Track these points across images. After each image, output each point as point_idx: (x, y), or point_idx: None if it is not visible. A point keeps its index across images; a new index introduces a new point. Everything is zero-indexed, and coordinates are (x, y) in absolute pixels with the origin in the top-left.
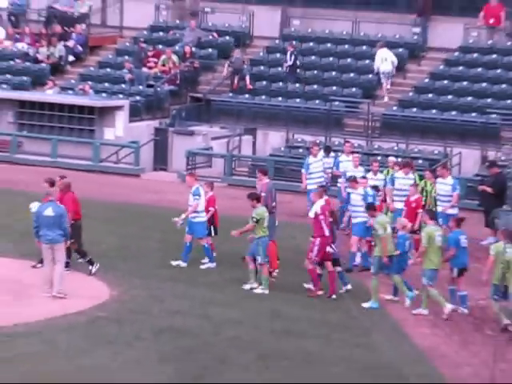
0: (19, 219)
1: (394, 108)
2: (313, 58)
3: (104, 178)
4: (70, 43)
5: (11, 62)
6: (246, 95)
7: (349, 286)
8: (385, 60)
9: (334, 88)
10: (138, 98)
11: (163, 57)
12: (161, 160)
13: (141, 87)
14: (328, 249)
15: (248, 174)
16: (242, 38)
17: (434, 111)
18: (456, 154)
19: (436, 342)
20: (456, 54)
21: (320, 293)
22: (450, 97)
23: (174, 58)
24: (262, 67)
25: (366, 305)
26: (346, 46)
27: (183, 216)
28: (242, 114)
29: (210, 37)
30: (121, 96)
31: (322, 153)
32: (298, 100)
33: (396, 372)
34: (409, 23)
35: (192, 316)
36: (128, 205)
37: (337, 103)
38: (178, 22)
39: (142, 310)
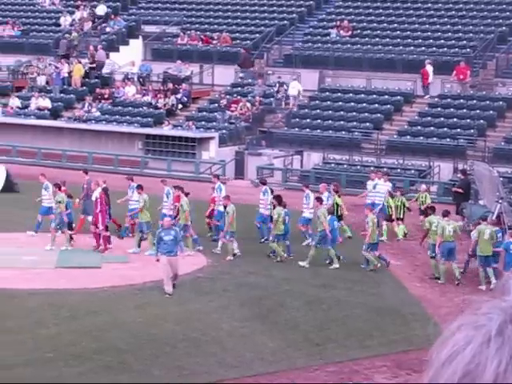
0: None
1: (395, 136)
2: (340, 103)
3: (202, 185)
4: (179, 96)
5: (140, 109)
6: (296, 128)
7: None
8: None
9: (354, 123)
10: (224, 131)
11: (241, 104)
12: (239, 172)
13: (226, 124)
14: None
15: (297, 181)
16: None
17: (421, 138)
18: (436, 166)
19: (424, 291)
20: (436, 99)
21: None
22: (432, 128)
23: (248, 104)
24: (306, 110)
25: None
26: (362, 95)
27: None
28: (294, 141)
29: (271, 90)
30: (213, 130)
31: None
32: (330, 131)
33: (397, 312)
34: (404, 79)
35: (260, 275)
36: None
37: (356, 133)
38: (250, 80)
39: (227, 272)
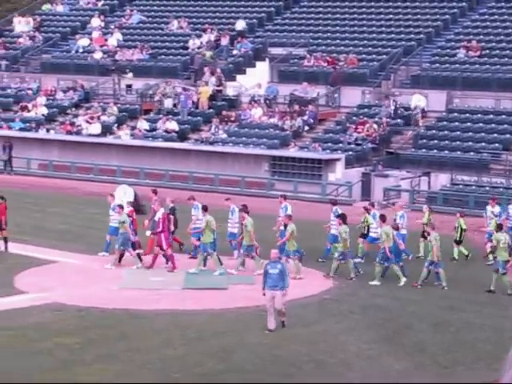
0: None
1: None
2: (468, 123)
3: (328, 207)
4: (305, 117)
5: (266, 131)
6: (423, 149)
7: None
8: None
9: (483, 144)
10: (350, 152)
11: (367, 125)
12: (366, 194)
13: (352, 146)
14: None
15: (425, 202)
16: (421, 112)
17: None
18: None
19: None
20: None
21: None
22: None
23: (374, 125)
24: (434, 131)
25: None
26: (491, 116)
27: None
28: (421, 162)
29: (399, 112)
30: (339, 152)
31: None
32: (458, 152)
33: None
34: None
35: (387, 297)
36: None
37: (485, 154)
38: (376, 101)
39: (353, 293)
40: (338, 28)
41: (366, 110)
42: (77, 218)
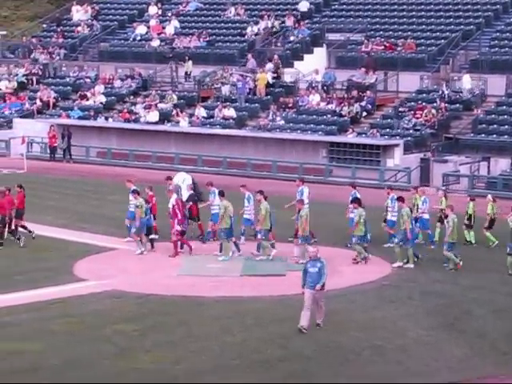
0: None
1: None
2: None
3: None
4: (363, 103)
5: (324, 117)
6: (483, 134)
7: None
8: None
9: None
10: (409, 138)
11: (426, 110)
12: (424, 179)
13: (410, 131)
14: None
15: (484, 187)
16: (479, 96)
17: None
18: None
19: None
20: None
21: None
22: None
23: (433, 111)
24: (493, 115)
25: None
26: None
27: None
28: (480, 147)
29: (457, 96)
30: (397, 137)
31: None
32: None
33: None
34: None
35: (447, 283)
36: None
37: None
38: (435, 86)
39: (413, 280)
40: (395, 13)
41: (424, 95)
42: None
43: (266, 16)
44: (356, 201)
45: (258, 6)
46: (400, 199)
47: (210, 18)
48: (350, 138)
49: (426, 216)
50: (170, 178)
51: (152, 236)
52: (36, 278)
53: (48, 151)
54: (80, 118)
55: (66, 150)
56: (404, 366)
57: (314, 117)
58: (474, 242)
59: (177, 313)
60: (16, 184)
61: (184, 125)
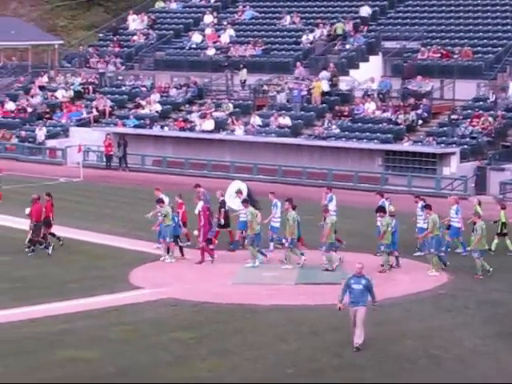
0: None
1: None
2: None
3: (443, 201)
4: (419, 111)
5: (380, 125)
6: None
7: None
8: None
9: None
10: (465, 146)
11: (482, 118)
12: (481, 188)
13: (467, 139)
14: None
15: None
16: None
17: None
18: None
19: None
20: None
21: None
22: None
23: (490, 118)
24: None
25: None
26: None
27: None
28: None
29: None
30: (454, 145)
31: None
32: None
33: None
34: None
35: (505, 292)
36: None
37: None
38: (491, 93)
39: (469, 289)
40: (452, 20)
41: (481, 103)
42: (191, 214)
43: (321, 24)
44: (381, 209)
45: (314, 15)
46: (427, 207)
47: (265, 26)
48: (406, 146)
49: (458, 224)
50: (198, 186)
51: (181, 244)
52: (92, 285)
53: (104, 159)
54: (136, 126)
55: (121, 159)
56: (461, 376)
57: (370, 125)
58: (493, 249)
59: (232, 321)
60: (45, 192)
61: (239, 133)
